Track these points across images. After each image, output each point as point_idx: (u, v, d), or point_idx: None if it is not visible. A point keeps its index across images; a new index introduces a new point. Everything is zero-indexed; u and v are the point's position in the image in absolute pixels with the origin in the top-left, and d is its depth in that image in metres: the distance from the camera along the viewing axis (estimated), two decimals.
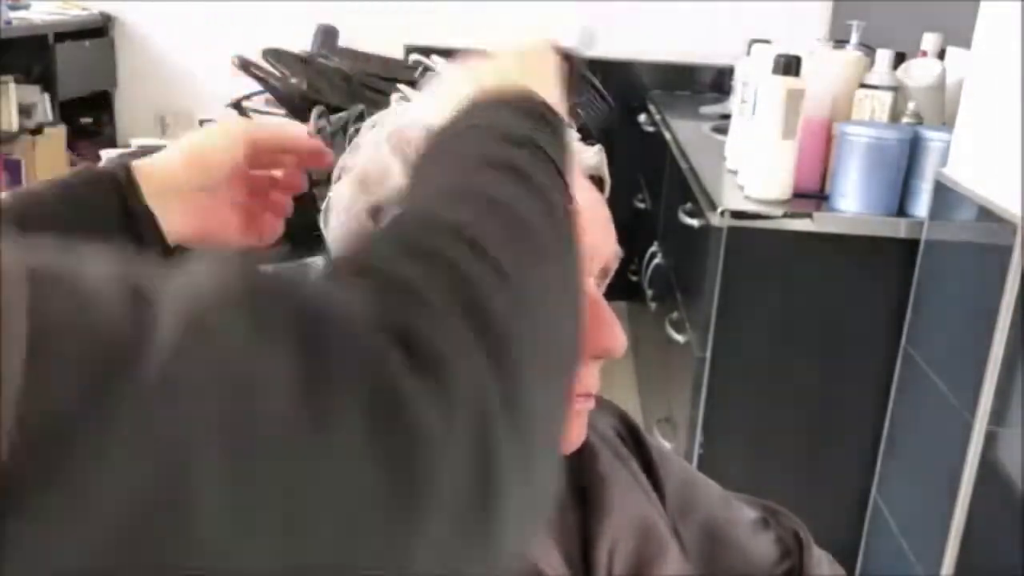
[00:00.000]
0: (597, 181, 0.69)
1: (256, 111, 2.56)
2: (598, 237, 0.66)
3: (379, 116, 0.69)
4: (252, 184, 0.70)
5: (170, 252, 0.64)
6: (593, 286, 0.66)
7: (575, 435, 0.68)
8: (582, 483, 0.74)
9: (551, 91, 0.56)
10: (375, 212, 0.64)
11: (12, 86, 3.63)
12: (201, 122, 3.06)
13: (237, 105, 2.52)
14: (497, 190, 0.43)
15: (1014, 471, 1.43)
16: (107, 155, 2.01)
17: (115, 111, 4.19)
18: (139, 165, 0.65)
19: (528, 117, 0.50)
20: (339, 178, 0.67)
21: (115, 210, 0.62)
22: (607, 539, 0.71)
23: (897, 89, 1.86)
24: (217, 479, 0.27)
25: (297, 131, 0.68)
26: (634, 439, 0.82)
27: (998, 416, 1.45)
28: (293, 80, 2.39)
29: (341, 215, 0.67)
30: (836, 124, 1.84)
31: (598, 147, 0.69)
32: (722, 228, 1.78)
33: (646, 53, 3.66)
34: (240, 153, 0.65)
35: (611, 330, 0.65)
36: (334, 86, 2.43)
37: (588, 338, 0.65)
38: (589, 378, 0.67)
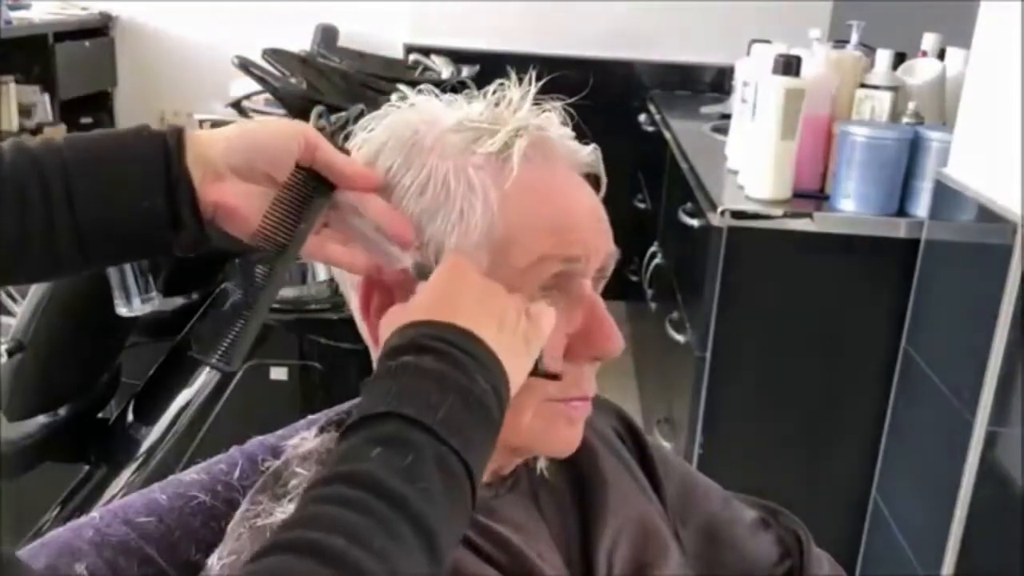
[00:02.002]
0: (593, 179, 0.69)
1: (256, 111, 2.56)
2: (593, 237, 0.66)
3: (371, 117, 0.69)
4: None
5: (200, 221, 0.63)
6: (589, 288, 0.66)
7: (572, 442, 0.68)
8: (582, 484, 0.74)
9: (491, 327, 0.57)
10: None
11: (12, 86, 3.63)
12: (200, 123, 3.06)
13: (237, 105, 2.52)
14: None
15: (1014, 471, 1.43)
16: None
17: (115, 111, 4.19)
18: (192, 131, 0.63)
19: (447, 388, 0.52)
20: None
21: (157, 170, 0.61)
22: (607, 540, 0.71)
23: (897, 89, 1.86)
24: None
25: (348, 162, 0.65)
26: (634, 439, 0.82)
27: (998, 416, 1.45)
28: (293, 80, 2.39)
29: None
30: (836, 124, 1.84)
31: (593, 146, 0.69)
32: (722, 228, 1.78)
33: (646, 53, 3.66)
34: (293, 146, 0.63)
35: (607, 331, 0.65)
36: (334, 86, 2.43)
37: (585, 339, 0.65)
38: (586, 380, 0.67)
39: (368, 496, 0.47)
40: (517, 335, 0.59)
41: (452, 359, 0.53)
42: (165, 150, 0.61)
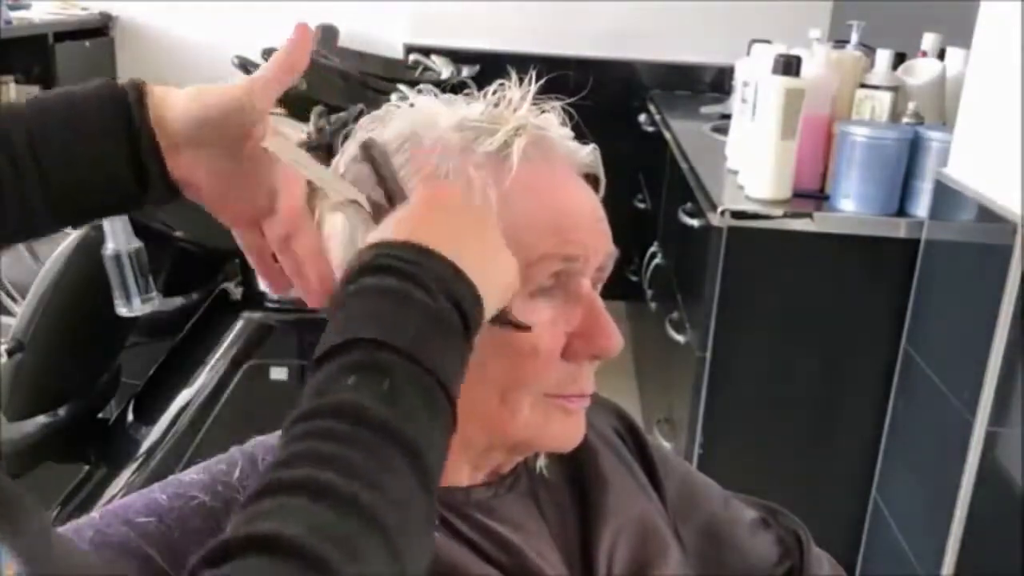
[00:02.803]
0: (592, 180, 0.69)
1: None
2: (592, 237, 0.66)
3: (371, 117, 0.69)
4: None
5: (165, 172, 0.61)
6: (588, 287, 0.66)
7: (573, 435, 0.68)
8: (582, 483, 0.74)
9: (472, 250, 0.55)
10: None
11: (12, 86, 3.63)
12: None
13: None
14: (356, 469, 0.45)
15: (1014, 471, 1.43)
16: None
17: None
18: (152, 87, 0.62)
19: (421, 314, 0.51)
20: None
21: (119, 131, 0.60)
22: (607, 539, 0.71)
23: (897, 89, 1.86)
24: None
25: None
26: (634, 438, 0.82)
27: (998, 416, 1.45)
28: None
29: (339, 247, 0.67)
30: (836, 124, 1.84)
31: (592, 146, 0.69)
32: (722, 228, 1.78)
33: (646, 53, 3.66)
34: (238, 94, 0.62)
35: (606, 330, 0.65)
36: (334, 86, 2.43)
37: (584, 338, 0.65)
38: (584, 378, 0.67)
39: (352, 426, 0.46)
40: (498, 259, 0.58)
41: (412, 276, 0.52)
42: (125, 103, 0.60)
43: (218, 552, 0.41)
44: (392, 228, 0.56)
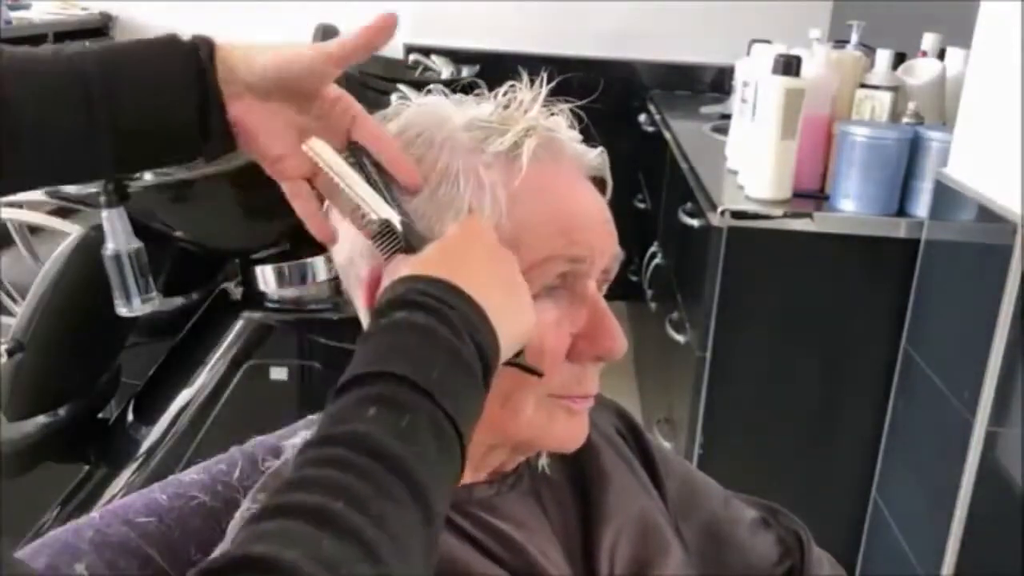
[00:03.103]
0: (599, 182, 0.70)
1: None
2: (599, 239, 0.66)
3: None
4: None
5: (228, 130, 0.63)
6: (594, 288, 0.66)
7: (577, 435, 0.68)
8: (584, 482, 0.74)
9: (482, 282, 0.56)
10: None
11: None
12: None
13: None
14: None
15: (1014, 471, 1.43)
16: None
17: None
18: (223, 44, 0.63)
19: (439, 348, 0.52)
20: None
21: (189, 86, 0.62)
22: (609, 538, 0.71)
23: (897, 89, 1.86)
24: None
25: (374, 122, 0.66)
26: (635, 438, 0.82)
27: (998, 416, 1.45)
28: None
29: (345, 243, 0.67)
30: (836, 124, 1.84)
31: (600, 149, 0.70)
32: (722, 228, 1.78)
33: (646, 53, 3.66)
34: (313, 55, 0.63)
35: (611, 331, 0.65)
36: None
37: (589, 339, 0.65)
38: (588, 379, 0.67)
39: (366, 459, 0.46)
40: (521, 308, 0.58)
41: (442, 316, 0.52)
42: (198, 65, 0.62)
43: (216, 567, 0.41)
44: (424, 263, 0.57)
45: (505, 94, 0.67)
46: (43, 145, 0.61)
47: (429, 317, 0.52)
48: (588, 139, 0.69)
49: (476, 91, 0.70)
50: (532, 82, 0.68)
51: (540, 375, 0.62)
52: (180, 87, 0.62)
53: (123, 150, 0.62)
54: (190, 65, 0.62)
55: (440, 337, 0.52)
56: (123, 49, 0.63)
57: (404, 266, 0.58)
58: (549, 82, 0.68)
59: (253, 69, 0.63)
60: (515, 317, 0.58)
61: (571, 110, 0.69)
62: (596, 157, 0.69)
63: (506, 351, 0.57)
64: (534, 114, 0.66)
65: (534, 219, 0.63)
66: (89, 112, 0.60)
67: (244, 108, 0.63)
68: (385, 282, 0.58)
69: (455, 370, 0.52)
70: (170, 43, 0.63)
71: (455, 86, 0.75)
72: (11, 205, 1.93)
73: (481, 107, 0.67)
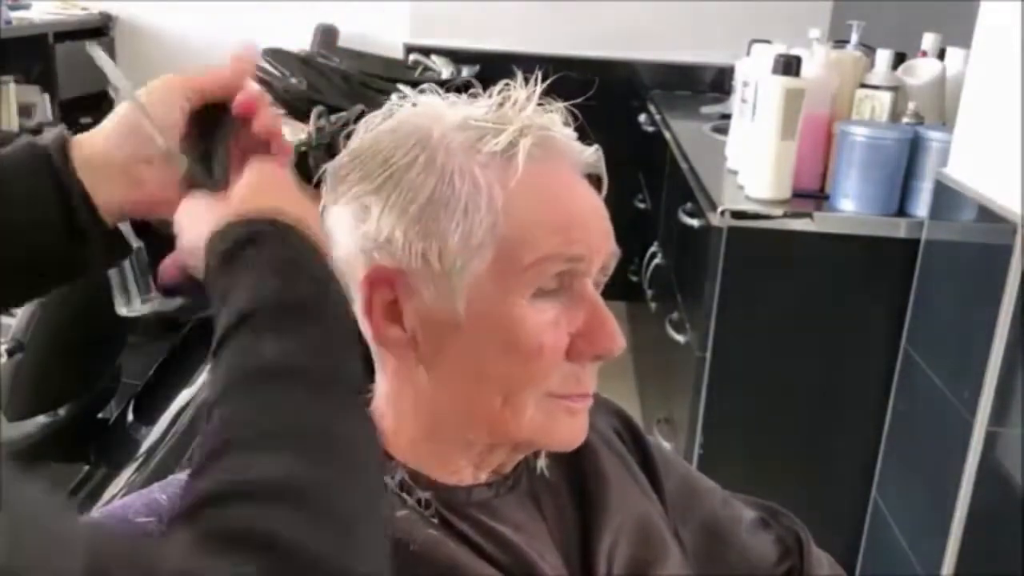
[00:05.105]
0: (595, 180, 0.69)
1: None
2: (596, 238, 0.66)
3: (373, 116, 0.69)
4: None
5: (107, 231, 0.62)
6: (591, 287, 0.66)
7: (577, 434, 0.68)
8: (582, 482, 0.74)
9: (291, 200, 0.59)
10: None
11: (12, 86, 3.63)
12: None
13: None
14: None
15: (1014, 471, 1.43)
16: None
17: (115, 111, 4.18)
18: (75, 137, 0.62)
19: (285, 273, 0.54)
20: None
21: (47, 188, 0.59)
22: (607, 539, 0.71)
23: (897, 89, 1.86)
24: None
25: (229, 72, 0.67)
26: (634, 438, 0.82)
27: (998, 416, 1.45)
28: (293, 80, 2.39)
29: (343, 238, 0.67)
30: (836, 124, 1.84)
31: (596, 146, 0.69)
32: (722, 228, 1.78)
33: (646, 53, 3.66)
34: (177, 107, 0.64)
35: (609, 330, 0.65)
36: (334, 86, 2.43)
37: (587, 338, 0.65)
38: (587, 379, 0.67)
39: (268, 385, 0.49)
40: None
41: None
42: (50, 162, 0.60)
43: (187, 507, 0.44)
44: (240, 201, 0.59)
45: (500, 93, 0.67)
46: None
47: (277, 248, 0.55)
48: (583, 137, 0.69)
49: (471, 91, 0.70)
50: (527, 81, 0.67)
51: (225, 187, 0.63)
52: (34, 192, 0.59)
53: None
54: (42, 166, 0.60)
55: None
56: None
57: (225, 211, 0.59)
58: (543, 80, 0.67)
59: (103, 145, 0.62)
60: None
61: (568, 109, 0.68)
62: (592, 154, 0.69)
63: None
64: (529, 113, 0.66)
65: (531, 218, 0.63)
66: None
67: (118, 185, 0.62)
68: (182, 219, 0.61)
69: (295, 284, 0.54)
70: (19, 152, 0.61)
71: (449, 86, 0.75)
72: None
73: (475, 106, 0.67)
